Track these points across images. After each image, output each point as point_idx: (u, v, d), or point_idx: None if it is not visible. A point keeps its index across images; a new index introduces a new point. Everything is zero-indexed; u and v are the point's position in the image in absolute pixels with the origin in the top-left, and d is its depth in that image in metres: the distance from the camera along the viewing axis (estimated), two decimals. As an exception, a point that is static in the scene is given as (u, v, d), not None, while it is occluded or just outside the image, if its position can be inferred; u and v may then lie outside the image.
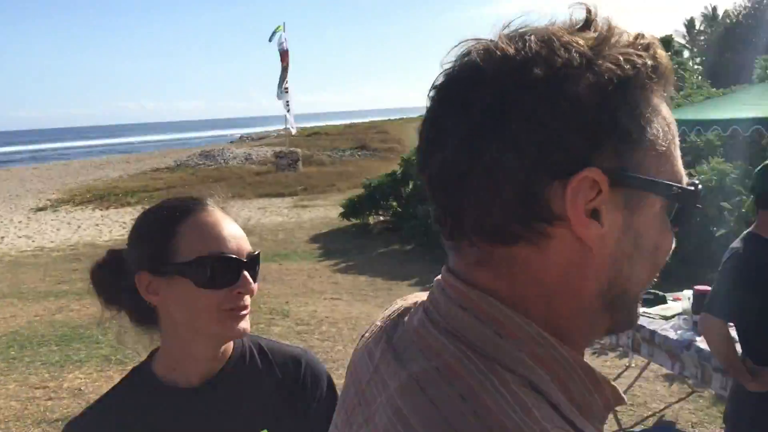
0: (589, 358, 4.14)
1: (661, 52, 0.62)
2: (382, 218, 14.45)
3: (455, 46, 0.64)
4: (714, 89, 12.47)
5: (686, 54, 25.09)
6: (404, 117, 36.05)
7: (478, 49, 0.62)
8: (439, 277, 0.69)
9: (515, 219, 0.60)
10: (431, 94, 0.65)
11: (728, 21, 24.28)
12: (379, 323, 0.75)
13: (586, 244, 0.60)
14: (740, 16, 22.69)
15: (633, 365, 5.55)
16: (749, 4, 22.22)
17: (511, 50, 0.60)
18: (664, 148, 0.62)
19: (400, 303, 0.76)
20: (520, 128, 0.58)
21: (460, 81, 0.62)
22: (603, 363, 5.84)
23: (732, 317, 2.77)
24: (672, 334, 4.26)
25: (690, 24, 28.96)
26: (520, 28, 0.63)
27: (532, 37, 0.60)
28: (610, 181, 0.59)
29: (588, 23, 0.62)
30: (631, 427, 4.75)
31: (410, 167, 13.39)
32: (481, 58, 0.61)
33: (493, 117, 0.59)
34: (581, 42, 0.60)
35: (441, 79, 0.65)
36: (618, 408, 4.97)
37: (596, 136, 0.58)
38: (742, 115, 8.26)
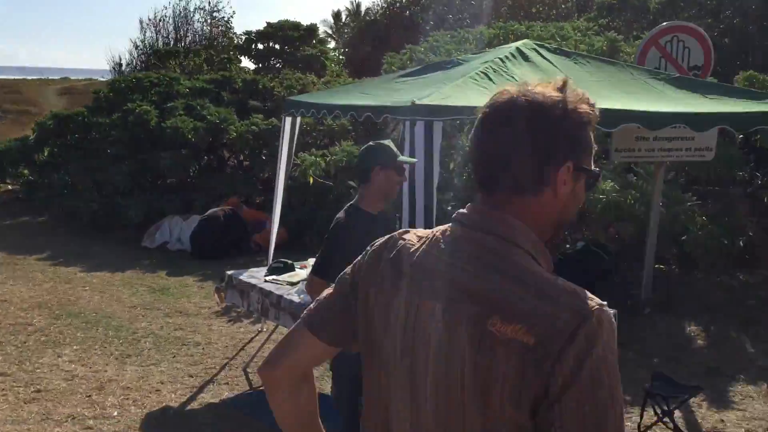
0: (226, 325, 4.26)
1: (594, 108, 1.25)
2: (10, 187, 12.99)
3: (496, 94, 1.28)
4: (350, 79, 13.69)
5: (332, 44, 26.92)
6: (43, 78, 32.79)
7: (519, 94, 1.23)
8: (463, 210, 1.30)
9: (529, 182, 1.22)
10: (484, 112, 1.26)
11: (368, 17, 26.75)
12: (413, 244, 1.34)
13: (558, 197, 1.24)
14: (377, 15, 25.19)
15: (264, 329, 5.93)
16: (385, 5, 24.79)
17: (540, 98, 1.22)
18: (592, 153, 1.27)
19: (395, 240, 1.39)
20: (540, 139, 1.20)
21: (506, 110, 1.23)
22: (238, 329, 6.14)
23: (334, 278, 3.16)
24: (296, 298, 4.67)
25: (337, 16, 31.26)
26: (538, 85, 1.25)
27: (544, 91, 1.23)
28: (574, 169, 1.23)
29: (564, 86, 1.24)
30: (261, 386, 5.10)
31: (47, 133, 12.22)
32: (522, 99, 1.23)
33: (527, 131, 1.20)
34: (569, 99, 1.22)
35: (488, 108, 1.26)
36: (249, 370, 5.28)
37: (573, 147, 1.22)
38: (370, 102, 9.25)
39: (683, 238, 7.00)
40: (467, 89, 4.33)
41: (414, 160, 3.60)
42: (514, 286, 1.15)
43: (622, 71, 5.20)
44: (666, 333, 6.15)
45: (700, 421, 4.64)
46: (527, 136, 1.19)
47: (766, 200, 8.14)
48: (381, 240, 1.39)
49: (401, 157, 3.39)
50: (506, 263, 1.18)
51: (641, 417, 4.33)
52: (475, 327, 1.14)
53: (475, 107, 3.88)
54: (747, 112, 4.57)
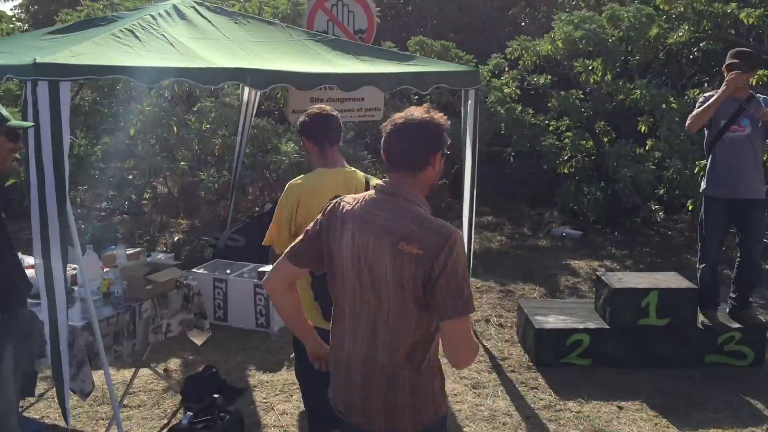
0: None
1: (444, 118, 2.19)
2: None
3: (396, 116, 2.16)
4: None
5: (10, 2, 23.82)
6: None
7: (409, 116, 2.14)
8: (382, 183, 2.20)
9: (420, 164, 2.14)
10: (392, 125, 2.16)
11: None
12: (346, 205, 2.23)
13: (434, 172, 2.18)
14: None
15: None
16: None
17: (421, 117, 2.14)
18: (447, 143, 2.18)
19: (340, 199, 2.29)
20: (426, 140, 2.13)
21: (404, 124, 2.13)
22: None
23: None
24: None
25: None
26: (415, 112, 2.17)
27: (422, 113, 2.15)
28: (442, 155, 2.17)
29: (429, 110, 2.17)
30: None
31: None
32: (412, 118, 2.13)
33: (418, 136, 2.12)
34: (435, 116, 2.15)
35: (397, 121, 2.15)
36: None
37: (441, 142, 2.15)
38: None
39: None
40: (107, 47, 4.01)
41: (29, 124, 3.23)
42: (412, 224, 2.08)
43: (282, 32, 5.22)
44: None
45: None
46: (419, 139, 2.13)
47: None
48: (332, 202, 2.28)
49: (12, 122, 3.01)
50: (408, 212, 2.11)
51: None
52: (392, 248, 2.07)
53: (113, 66, 3.74)
54: (392, 73, 4.87)
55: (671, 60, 9.54)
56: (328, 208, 2.28)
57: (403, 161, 2.14)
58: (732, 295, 5.12)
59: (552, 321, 5.01)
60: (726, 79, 4.82)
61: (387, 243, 2.07)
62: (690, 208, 7.29)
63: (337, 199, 2.30)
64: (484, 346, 5.28)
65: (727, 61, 4.90)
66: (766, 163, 5.34)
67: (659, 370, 4.86)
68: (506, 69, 9.08)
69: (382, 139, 2.16)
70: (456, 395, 4.47)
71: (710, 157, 4.99)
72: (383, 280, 2.09)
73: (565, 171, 8.66)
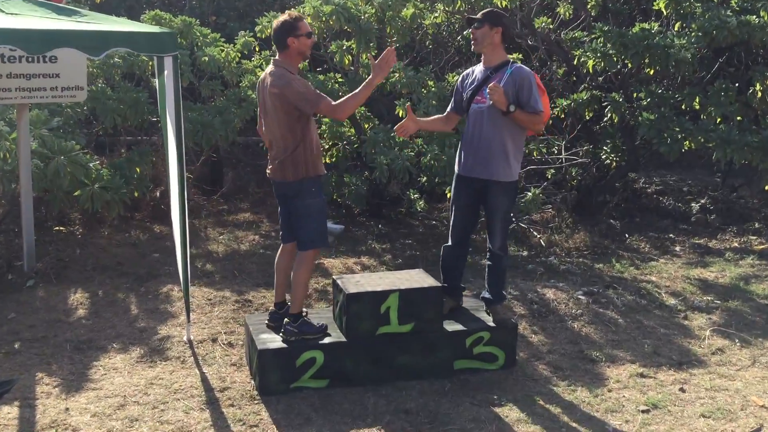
0: None
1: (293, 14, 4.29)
2: None
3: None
4: None
5: None
6: None
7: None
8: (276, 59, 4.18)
9: (283, 46, 4.13)
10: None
11: None
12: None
13: (294, 48, 4.17)
14: None
15: None
16: None
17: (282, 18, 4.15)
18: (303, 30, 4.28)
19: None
20: (278, 31, 4.19)
21: (276, 25, 4.22)
22: None
23: None
24: None
25: None
26: None
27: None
28: (295, 37, 4.16)
29: (292, 14, 4.28)
30: None
31: None
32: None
33: (278, 29, 4.16)
34: (292, 15, 4.27)
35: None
36: None
37: (287, 31, 4.18)
38: None
39: (76, 194, 6.07)
40: None
41: None
42: (279, 77, 3.99)
43: None
44: (45, 307, 5.16)
45: (38, 417, 3.76)
46: (275, 31, 4.06)
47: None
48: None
49: None
50: (283, 74, 3.99)
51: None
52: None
53: None
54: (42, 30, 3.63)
55: (435, 45, 9.21)
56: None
57: (276, 43, 4.11)
58: (485, 286, 4.62)
59: (279, 339, 4.14)
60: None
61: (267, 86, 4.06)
62: (449, 195, 6.85)
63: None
64: (203, 374, 4.29)
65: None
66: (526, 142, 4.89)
67: (406, 383, 4.19)
68: (256, 49, 8.14)
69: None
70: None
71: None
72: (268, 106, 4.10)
73: (327, 160, 7.91)
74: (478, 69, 4.47)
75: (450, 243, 4.60)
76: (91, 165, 6.19)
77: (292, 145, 4.07)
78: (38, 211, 6.51)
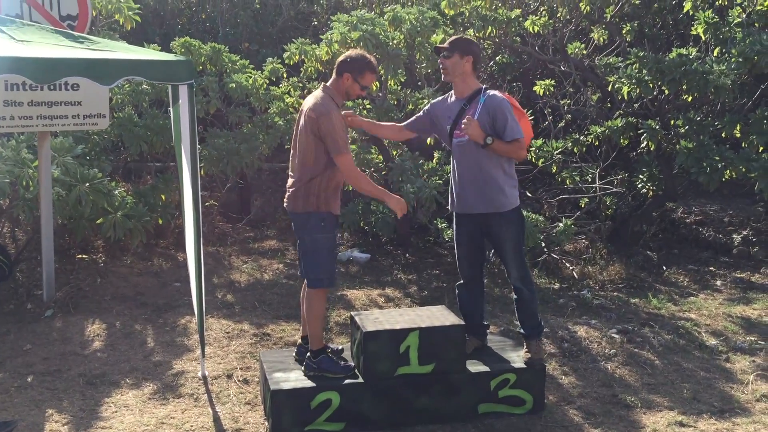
0: None
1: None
2: None
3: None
4: None
5: None
6: None
7: None
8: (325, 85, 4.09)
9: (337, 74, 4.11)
10: None
11: None
12: None
13: (345, 84, 4.06)
14: None
15: None
16: None
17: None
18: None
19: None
20: (340, 63, 4.24)
21: None
22: None
23: None
24: None
25: None
26: None
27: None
28: (353, 77, 4.13)
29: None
30: None
31: None
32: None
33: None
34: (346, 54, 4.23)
35: None
36: None
37: (347, 68, 4.11)
38: None
39: (99, 221, 6.02)
40: None
41: None
42: (322, 104, 3.91)
43: None
44: (61, 339, 5.07)
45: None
46: (347, 62, 4.04)
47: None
48: None
49: None
50: (327, 103, 3.95)
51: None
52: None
53: None
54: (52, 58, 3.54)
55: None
56: None
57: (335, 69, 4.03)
58: (516, 323, 4.42)
59: (294, 378, 3.96)
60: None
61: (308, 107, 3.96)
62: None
63: None
64: (215, 413, 4.13)
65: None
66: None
67: (426, 428, 3.98)
68: (284, 75, 8.08)
69: None
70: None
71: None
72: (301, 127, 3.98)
73: (351, 188, 7.78)
74: (450, 100, 4.28)
75: (462, 282, 4.41)
76: (116, 192, 6.14)
77: (310, 174, 3.92)
78: (62, 238, 6.48)
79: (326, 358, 3.99)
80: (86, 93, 5.33)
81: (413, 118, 4.55)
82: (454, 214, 4.37)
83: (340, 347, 4.26)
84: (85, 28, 5.33)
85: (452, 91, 4.28)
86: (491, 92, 4.15)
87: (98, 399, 4.28)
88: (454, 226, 4.37)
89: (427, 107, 4.44)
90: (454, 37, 4.28)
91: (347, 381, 3.94)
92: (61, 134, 6.07)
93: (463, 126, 4.02)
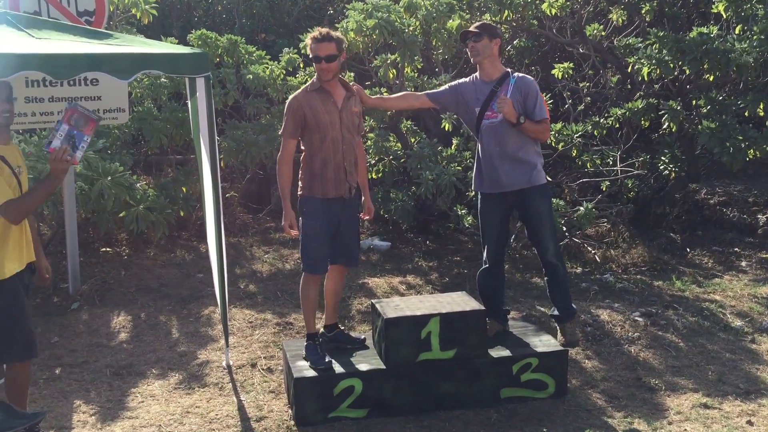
0: None
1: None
2: None
3: None
4: None
5: None
6: None
7: None
8: None
9: None
10: None
11: None
12: None
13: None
14: None
15: None
16: None
17: None
18: None
19: None
20: None
21: None
22: None
23: None
24: None
25: None
26: None
27: None
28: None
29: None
30: None
31: None
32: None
33: None
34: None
35: None
36: None
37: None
38: None
39: (121, 215, 6.10)
40: None
41: None
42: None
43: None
44: (87, 331, 5.15)
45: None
46: None
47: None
48: None
49: None
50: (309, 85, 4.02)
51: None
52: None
53: None
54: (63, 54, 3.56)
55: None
56: None
57: None
58: (551, 302, 4.43)
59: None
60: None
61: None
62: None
63: None
64: (240, 401, 4.18)
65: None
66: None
67: (449, 413, 3.99)
68: (301, 65, 8.08)
69: None
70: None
71: (476, 149, 4.34)
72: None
73: (373, 176, 7.78)
74: (477, 84, 4.27)
75: (487, 265, 4.39)
76: (138, 185, 6.20)
77: (302, 155, 4.04)
78: (86, 232, 6.57)
79: (311, 345, 4.05)
80: (105, 88, 5.38)
81: (438, 89, 4.52)
82: (481, 196, 4.35)
83: (362, 337, 4.28)
84: (103, 23, 5.37)
85: (476, 74, 4.29)
86: (519, 74, 4.25)
87: (125, 389, 4.34)
88: (484, 207, 4.35)
89: (453, 84, 4.41)
90: (480, 22, 4.33)
91: (369, 367, 3.96)
92: (82, 129, 6.11)
93: (498, 103, 4.07)
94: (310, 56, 3.98)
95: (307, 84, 4.08)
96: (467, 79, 4.36)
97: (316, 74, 4.02)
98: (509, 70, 4.26)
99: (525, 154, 4.17)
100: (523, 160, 4.16)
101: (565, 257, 6.68)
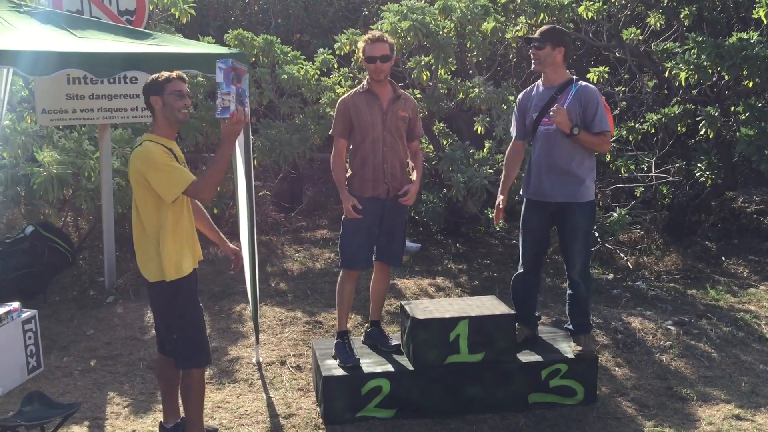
0: None
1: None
2: None
3: None
4: None
5: None
6: None
7: None
8: None
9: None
10: None
11: None
12: None
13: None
14: None
15: None
16: None
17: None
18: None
19: None
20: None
21: None
22: None
23: None
24: None
25: None
26: None
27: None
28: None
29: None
30: None
31: None
32: None
33: None
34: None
35: None
36: None
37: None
38: None
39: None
40: None
41: None
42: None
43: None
44: (122, 324, 5.25)
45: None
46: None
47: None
48: None
49: None
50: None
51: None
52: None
53: None
54: (103, 53, 3.64)
55: (519, 59, 8.95)
56: None
57: None
58: (567, 317, 4.39)
59: (345, 365, 4.02)
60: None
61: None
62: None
63: None
64: (269, 398, 4.22)
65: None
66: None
67: (476, 417, 3.98)
68: (335, 66, 8.13)
69: None
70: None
71: (530, 154, 4.29)
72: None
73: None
74: (539, 89, 4.22)
75: (523, 270, 4.37)
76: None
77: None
78: (122, 227, 6.69)
79: (340, 343, 4.10)
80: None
81: (514, 126, 4.36)
82: (525, 201, 4.31)
83: (397, 343, 4.25)
84: (143, 22, 5.48)
85: (539, 81, 4.25)
86: (583, 83, 4.13)
87: (157, 383, 4.41)
88: (526, 213, 4.30)
89: (515, 110, 4.36)
90: (545, 27, 4.19)
91: (397, 368, 3.98)
92: (120, 126, 6.25)
93: (551, 113, 3.99)
94: (362, 57, 4.01)
95: (358, 86, 4.15)
96: (528, 88, 4.31)
97: (367, 77, 4.05)
98: (574, 76, 4.16)
99: (574, 166, 4.07)
100: (570, 172, 4.07)
101: (596, 263, 6.64)
